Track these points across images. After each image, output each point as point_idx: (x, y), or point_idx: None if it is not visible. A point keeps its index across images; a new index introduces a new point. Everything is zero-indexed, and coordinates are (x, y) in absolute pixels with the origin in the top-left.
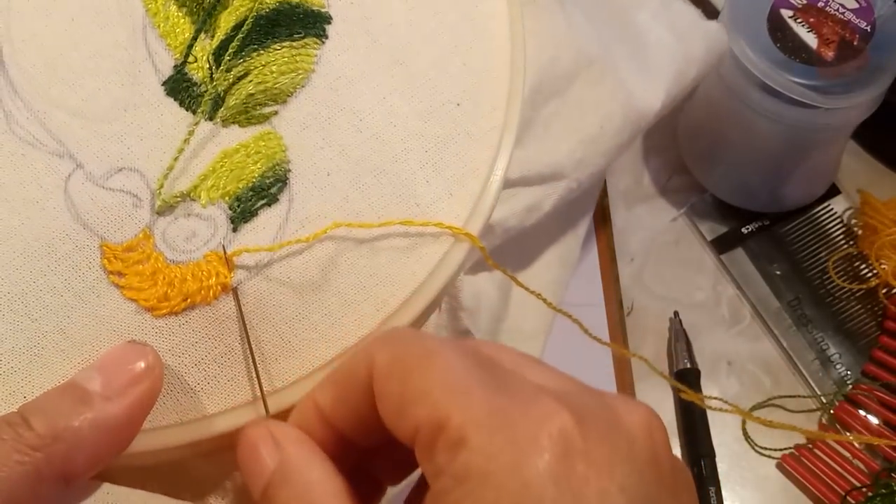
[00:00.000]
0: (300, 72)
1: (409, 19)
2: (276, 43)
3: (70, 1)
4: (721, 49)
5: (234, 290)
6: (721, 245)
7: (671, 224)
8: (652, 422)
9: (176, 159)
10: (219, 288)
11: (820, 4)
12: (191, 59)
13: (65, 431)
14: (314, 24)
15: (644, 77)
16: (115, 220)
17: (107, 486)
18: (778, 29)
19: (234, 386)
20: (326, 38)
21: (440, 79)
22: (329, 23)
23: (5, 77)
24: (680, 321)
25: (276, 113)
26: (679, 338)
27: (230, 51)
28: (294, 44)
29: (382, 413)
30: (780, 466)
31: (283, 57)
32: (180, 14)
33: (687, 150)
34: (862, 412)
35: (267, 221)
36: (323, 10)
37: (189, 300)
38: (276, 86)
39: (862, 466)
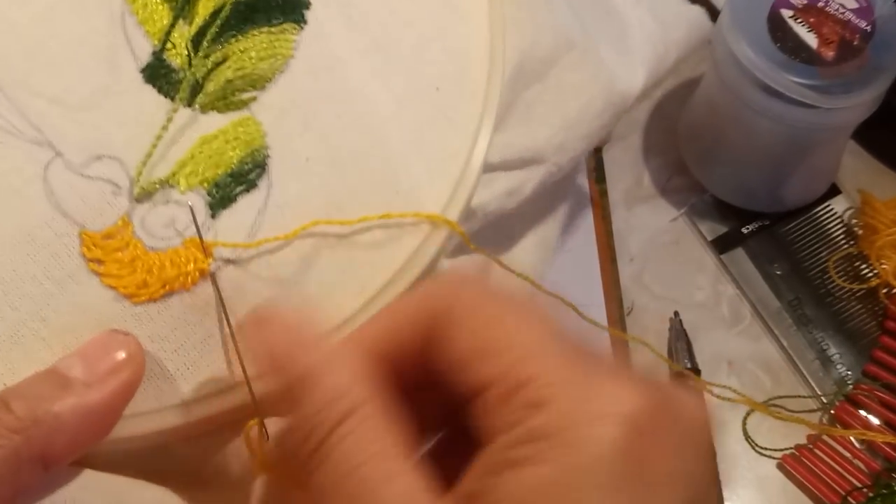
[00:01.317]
0: (279, 57)
1: (390, 4)
2: (254, 29)
3: None
4: (702, 33)
5: (213, 276)
6: (721, 245)
7: (671, 224)
8: (707, 411)
9: (154, 146)
10: (197, 274)
11: (820, 4)
12: (169, 45)
13: (45, 415)
14: (293, 10)
15: (625, 60)
16: (94, 207)
17: (87, 472)
18: (778, 29)
19: (214, 371)
20: (305, 23)
21: (420, 64)
22: (308, 8)
23: None
24: (680, 321)
25: (254, 99)
26: (679, 338)
27: (208, 37)
28: (273, 29)
29: (443, 359)
30: (780, 466)
31: (262, 43)
32: (159, 1)
33: (687, 151)
34: (862, 412)
35: (246, 207)
36: None
37: (168, 286)
38: (255, 72)
39: (862, 466)
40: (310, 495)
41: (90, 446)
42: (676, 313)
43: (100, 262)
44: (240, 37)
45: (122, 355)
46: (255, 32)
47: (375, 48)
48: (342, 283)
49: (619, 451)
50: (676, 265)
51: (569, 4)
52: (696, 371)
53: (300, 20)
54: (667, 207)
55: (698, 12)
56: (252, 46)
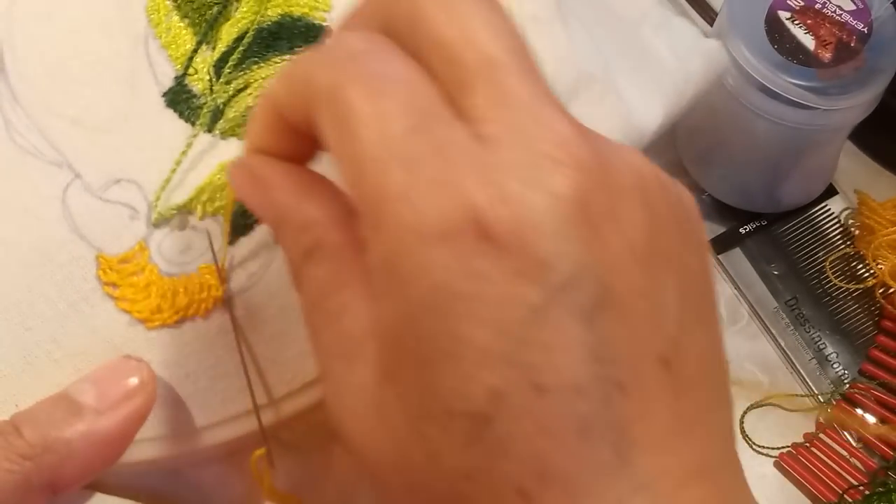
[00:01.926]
0: None
1: None
2: (276, 56)
3: (73, 8)
4: (719, 68)
5: (228, 303)
6: (719, 245)
7: None
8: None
9: (173, 171)
10: (211, 301)
11: (817, 6)
12: (191, 70)
13: (56, 442)
14: (315, 38)
15: (643, 95)
16: (111, 231)
17: (97, 496)
18: (775, 31)
19: (225, 398)
20: None
21: None
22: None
23: (6, 84)
24: None
25: None
26: None
27: (230, 63)
28: (294, 57)
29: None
30: (777, 465)
31: None
32: (182, 25)
33: (685, 152)
34: (859, 411)
35: (262, 236)
36: (324, 23)
37: (182, 313)
38: None
39: (859, 465)
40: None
41: (100, 472)
42: None
43: (115, 285)
44: (262, 63)
45: (134, 382)
46: (277, 59)
47: None
48: None
49: (459, 259)
50: None
51: (590, 37)
52: None
53: None
54: None
55: (716, 46)
56: (273, 73)
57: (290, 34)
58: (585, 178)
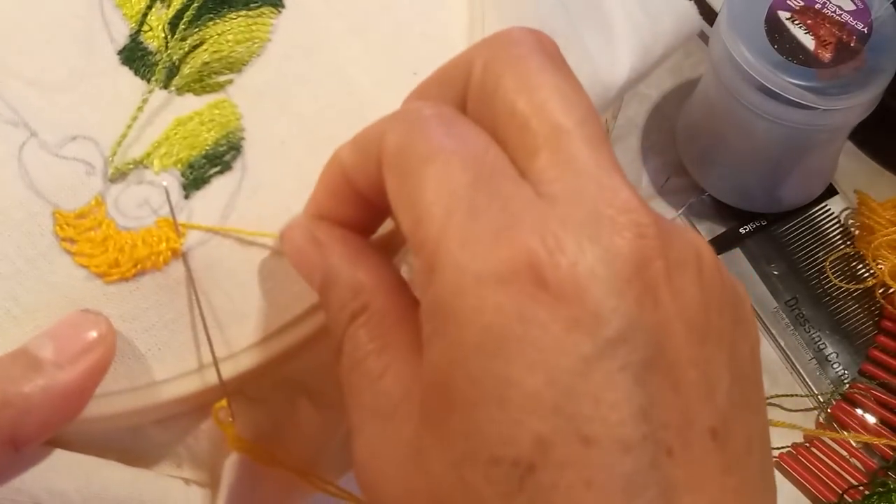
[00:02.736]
0: (256, 41)
1: None
2: (232, 12)
3: None
4: (690, 28)
5: (185, 256)
6: (719, 245)
7: None
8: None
9: (129, 127)
10: (169, 253)
11: (817, 6)
12: (146, 27)
13: (15, 397)
14: None
15: (609, 51)
16: (68, 187)
17: (58, 451)
18: (775, 31)
19: (185, 352)
20: (283, 7)
21: (398, 48)
22: None
23: None
24: None
25: (231, 82)
26: None
27: (185, 19)
28: (250, 13)
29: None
30: (777, 465)
31: (240, 26)
32: None
33: (685, 151)
34: (859, 411)
35: (219, 189)
36: None
37: (139, 266)
38: (232, 55)
39: (859, 465)
40: (281, 472)
41: (61, 427)
42: None
43: (72, 241)
44: (217, 20)
45: (93, 335)
46: (233, 16)
47: (353, 32)
48: None
49: (511, 316)
50: None
51: None
52: None
53: (278, 4)
54: (665, 208)
55: (687, 6)
56: (229, 30)
57: None
58: (645, 243)
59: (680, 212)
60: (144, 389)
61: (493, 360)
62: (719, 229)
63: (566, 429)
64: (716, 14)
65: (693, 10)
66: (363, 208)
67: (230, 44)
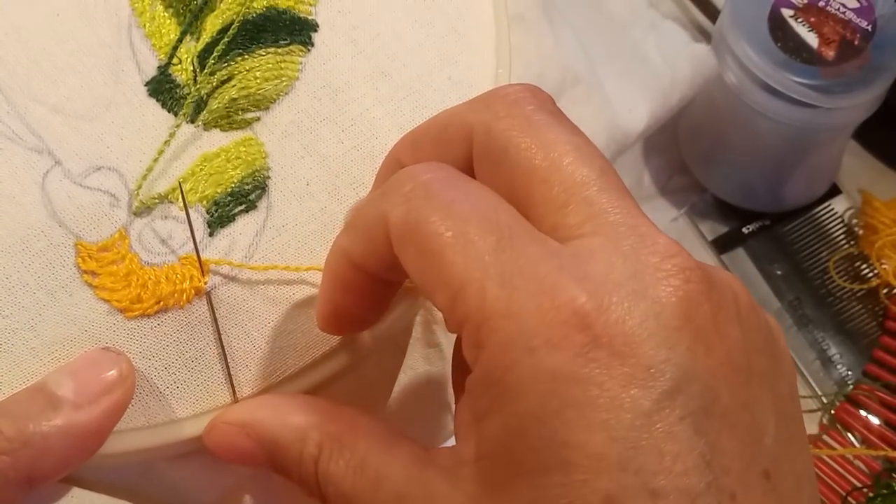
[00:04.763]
0: (284, 79)
1: (397, 30)
2: (261, 49)
3: None
4: (708, 73)
5: (208, 295)
6: (722, 245)
7: (672, 224)
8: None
9: (156, 160)
10: (192, 292)
11: (821, 4)
12: (175, 60)
13: (33, 437)
14: (300, 32)
15: (629, 97)
16: (91, 218)
17: (73, 490)
18: (779, 28)
19: (203, 390)
20: (312, 45)
21: (424, 92)
22: (315, 30)
23: None
24: None
25: (258, 119)
26: None
27: (215, 54)
28: (279, 50)
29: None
30: None
31: (268, 63)
32: (166, 15)
33: (688, 150)
34: (863, 412)
35: (244, 227)
36: (310, 17)
37: (162, 303)
38: (260, 92)
39: (862, 467)
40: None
41: (77, 466)
42: None
43: (94, 274)
44: (246, 56)
45: (113, 374)
46: (262, 52)
47: (380, 74)
48: None
49: (576, 373)
50: None
51: (577, 38)
52: None
53: (307, 42)
54: (667, 207)
55: (704, 51)
56: (258, 66)
57: (276, 27)
58: (692, 287)
59: (682, 211)
60: (161, 427)
61: (554, 427)
62: (722, 229)
63: (633, 484)
64: (718, 12)
65: (710, 56)
66: (380, 289)
67: (258, 81)
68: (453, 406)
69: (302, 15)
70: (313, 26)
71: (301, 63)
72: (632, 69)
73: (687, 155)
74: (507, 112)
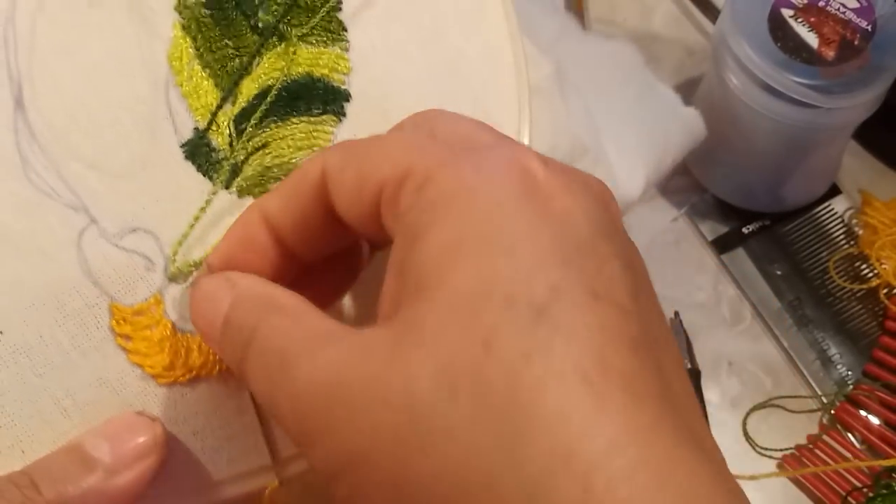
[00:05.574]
0: (316, 149)
1: (425, 102)
2: (295, 116)
3: (93, 45)
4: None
5: None
6: (722, 245)
7: (672, 224)
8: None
9: (192, 227)
10: (224, 362)
11: (821, 4)
12: (214, 126)
13: (71, 499)
14: (334, 101)
15: (628, 165)
16: (126, 280)
17: None
18: (779, 28)
19: (229, 458)
20: (344, 115)
21: None
22: (348, 100)
23: (24, 121)
24: (680, 321)
25: None
26: (679, 338)
27: (252, 121)
28: (312, 118)
29: (339, 203)
30: (780, 467)
31: (301, 132)
32: (204, 75)
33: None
34: (863, 412)
35: None
36: (343, 87)
37: (194, 373)
38: (292, 161)
39: (862, 467)
40: None
41: None
42: (677, 313)
43: (128, 337)
44: (280, 123)
45: (147, 440)
46: (296, 121)
47: None
48: None
49: (511, 196)
50: (677, 265)
51: (582, 102)
52: (697, 371)
53: (339, 112)
54: (667, 207)
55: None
56: (291, 135)
57: (310, 95)
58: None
59: (682, 211)
60: (190, 493)
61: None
62: (722, 229)
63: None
64: (718, 12)
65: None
66: (276, 256)
67: (291, 150)
68: None
69: (335, 84)
70: (346, 96)
71: (333, 133)
72: (629, 135)
73: (687, 155)
74: None
